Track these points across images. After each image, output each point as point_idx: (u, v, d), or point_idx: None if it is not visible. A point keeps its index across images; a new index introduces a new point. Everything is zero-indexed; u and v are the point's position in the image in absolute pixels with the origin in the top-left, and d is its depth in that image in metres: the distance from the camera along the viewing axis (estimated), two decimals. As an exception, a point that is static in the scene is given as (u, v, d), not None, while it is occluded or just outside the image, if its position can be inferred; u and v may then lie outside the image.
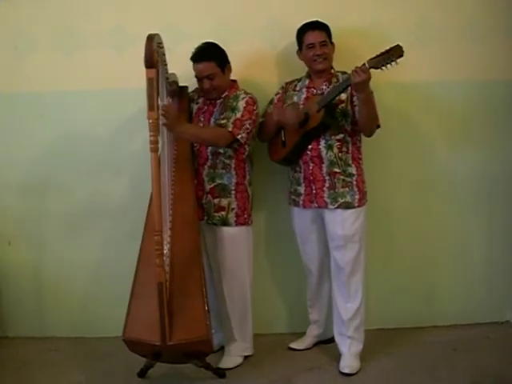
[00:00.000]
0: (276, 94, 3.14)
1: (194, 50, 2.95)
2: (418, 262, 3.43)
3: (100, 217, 3.37)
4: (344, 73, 2.96)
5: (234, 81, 3.09)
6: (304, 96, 3.02)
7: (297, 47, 3.03)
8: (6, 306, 3.45)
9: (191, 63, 2.96)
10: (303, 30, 2.97)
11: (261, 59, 3.26)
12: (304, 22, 2.97)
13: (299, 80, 3.09)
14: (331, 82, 2.98)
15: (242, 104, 2.96)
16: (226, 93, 3.03)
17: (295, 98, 3.04)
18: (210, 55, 2.94)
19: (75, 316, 3.44)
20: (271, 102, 3.14)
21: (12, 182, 3.37)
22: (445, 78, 3.28)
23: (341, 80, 2.93)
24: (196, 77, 2.99)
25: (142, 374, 2.90)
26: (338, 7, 3.17)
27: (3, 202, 3.39)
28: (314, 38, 2.93)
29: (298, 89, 3.06)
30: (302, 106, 2.98)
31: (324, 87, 2.98)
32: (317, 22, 2.96)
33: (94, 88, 3.27)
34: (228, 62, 3.00)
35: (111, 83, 3.25)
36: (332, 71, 3.02)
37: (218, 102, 3.03)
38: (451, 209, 3.41)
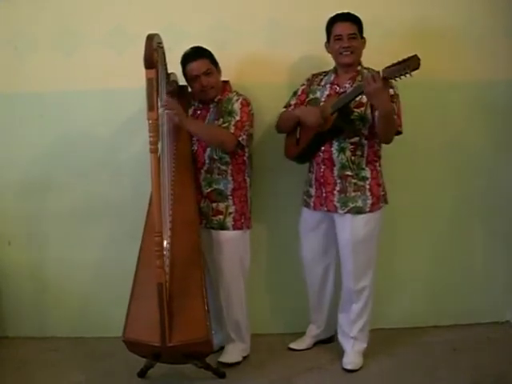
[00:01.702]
0: (301, 85, 3.04)
1: (183, 54, 2.95)
2: (418, 261, 3.43)
3: (100, 217, 3.37)
4: (370, 70, 2.85)
5: (226, 81, 3.06)
6: (327, 93, 2.93)
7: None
8: (6, 305, 3.44)
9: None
10: (333, 21, 2.86)
11: (260, 59, 3.25)
12: (335, 13, 2.87)
13: (326, 74, 2.99)
14: (355, 80, 2.88)
15: (237, 106, 2.94)
16: (219, 96, 3.00)
17: (318, 94, 2.95)
18: (204, 53, 2.93)
19: (75, 316, 3.44)
20: (295, 93, 3.05)
21: (12, 182, 3.37)
22: (445, 77, 3.28)
23: None
24: (190, 79, 2.96)
25: (142, 374, 2.90)
26: (337, 7, 3.14)
27: (3, 202, 3.39)
28: (342, 29, 2.81)
29: (322, 84, 2.96)
30: (322, 104, 2.90)
31: (347, 85, 2.89)
32: (348, 13, 2.84)
33: (94, 88, 3.27)
34: (218, 63, 2.98)
35: (111, 83, 3.25)
36: (359, 68, 2.91)
37: (211, 106, 3.00)
38: (452, 209, 3.41)
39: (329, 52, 2.93)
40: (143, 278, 2.76)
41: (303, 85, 3.05)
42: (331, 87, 2.94)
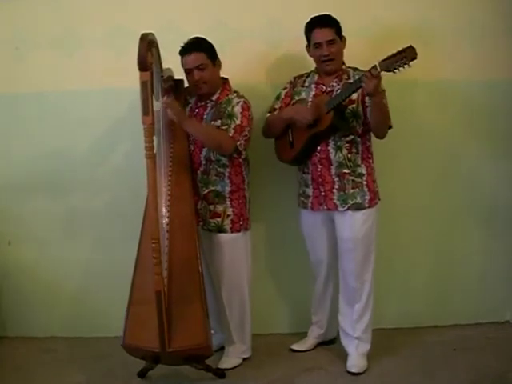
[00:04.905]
0: (284, 89, 3.04)
1: (182, 45, 2.89)
2: (418, 261, 3.43)
3: (100, 216, 3.37)
4: (355, 69, 2.87)
5: (226, 79, 3.00)
6: (313, 93, 2.92)
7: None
8: (5, 305, 3.45)
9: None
10: (311, 27, 2.84)
11: (260, 59, 3.26)
12: (312, 17, 2.86)
13: (308, 75, 2.98)
14: (342, 79, 2.88)
15: (238, 109, 2.88)
16: (217, 95, 2.95)
17: (303, 94, 2.94)
18: (200, 46, 2.87)
19: (75, 316, 3.44)
20: (278, 97, 3.04)
21: (12, 181, 3.37)
22: (444, 77, 3.28)
23: (351, 77, 2.84)
24: (186, 72, 2.91)
25: (142, 374, 2.90)
26: (338, 7, 3.14)
27: (3, 202, 3.39)
28: (321, 36, 2.80)
29: (306, 84, 2.96)
30: (310, 103, 2.88)
31: (334, 84, 2.88)
32: (325, 18, 2.82)
33: (94, 88, 3.28)
34: (218, 57, 2.92)
35: (111, 83, 3.25)
36: (343, 67, 2.91)
37: (209, 105, 2.95)
38: (452, 209, 3.41)
39: (310, 56, 2.93)
40: (141, 283, 2.74)
41: (285, 88, 3.04)
42: (317, 87, 2.92)
